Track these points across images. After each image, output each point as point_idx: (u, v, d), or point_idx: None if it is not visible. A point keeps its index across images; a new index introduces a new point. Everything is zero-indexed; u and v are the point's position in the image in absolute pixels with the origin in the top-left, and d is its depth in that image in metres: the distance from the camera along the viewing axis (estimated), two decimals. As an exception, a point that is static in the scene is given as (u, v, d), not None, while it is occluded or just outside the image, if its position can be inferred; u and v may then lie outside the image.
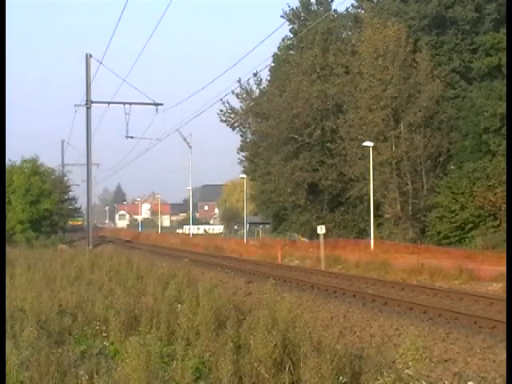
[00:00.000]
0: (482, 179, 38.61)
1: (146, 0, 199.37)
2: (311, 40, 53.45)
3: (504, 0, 38.98)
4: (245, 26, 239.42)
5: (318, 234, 31.72)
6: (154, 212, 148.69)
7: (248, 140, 64.95)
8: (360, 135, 44.12)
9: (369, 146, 39.93)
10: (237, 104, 63.43)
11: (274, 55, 59.58)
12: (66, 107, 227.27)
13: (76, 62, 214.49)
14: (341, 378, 9.11)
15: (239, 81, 57.39)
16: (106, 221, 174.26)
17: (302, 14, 58.37)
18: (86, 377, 9.06)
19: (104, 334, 12.66)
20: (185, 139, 70.65)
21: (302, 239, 52.52)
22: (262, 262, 34.88)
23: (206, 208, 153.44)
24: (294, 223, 56.69)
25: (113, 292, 17.58)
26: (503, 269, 18.83)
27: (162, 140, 52.94)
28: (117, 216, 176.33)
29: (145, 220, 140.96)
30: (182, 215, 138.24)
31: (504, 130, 37.63)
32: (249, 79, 61.16)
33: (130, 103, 47.53)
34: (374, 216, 40.90)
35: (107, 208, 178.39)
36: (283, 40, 59.64)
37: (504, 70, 40.80)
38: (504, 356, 10.68)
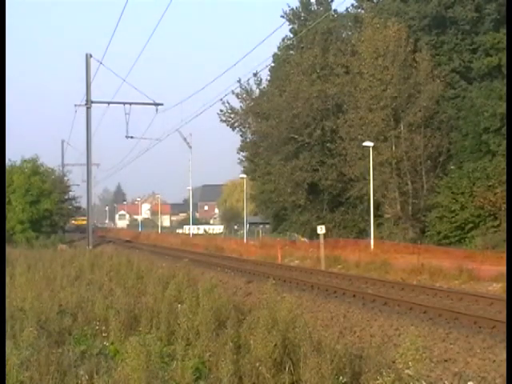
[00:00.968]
0: (482, 179, 38.60)
1: (145, 0, 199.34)
2: (311, 40, 53.44)
3: (504, 0, 38.98)
4: (245, 26, 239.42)
5: (318, 234, 31.71)
6: (154, 212, 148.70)
7: (248, 140, 64.97)
8: (360, 135, 44.12)
9: (369, 146, 39.92)
10: (237, 104, 63.55)
11: (274, 55, 59.63)
12: (66, 107, 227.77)
13: (76, 61, 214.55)
14: (341, 378, 9.11)
15: (239, 81, 57.45)
16: (106, 221, 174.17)
17: (302, 14, 58.37)
18: (86, 377, 9.06)
19: (104, 334, 12.67)
20: (185, 139, 70.68)
21: (302, 239, 52.51)
22: (261, 262, 34.87)
23: (206, 208, 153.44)
24: (294, 223, 56.69)
25: (113, 292, 17.60)
26: (503, 269, 18.83)
27: (161, 140, 53.01)
28: (117, 216, 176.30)
29: (145, 220, 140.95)
30: (182, 215, 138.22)
31: (504, 130, 37.63)
32: (249, 79, 61.21)
33: (130, 103, 47.57)
34: (374, 216, 40.90)
35: (107, 208, 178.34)
36: (283, 40, 59.67)
37: (504, 70, 40.80)
38: (504, 356, 10.68)
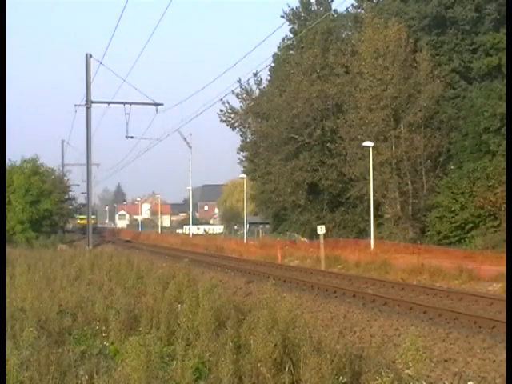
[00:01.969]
0: (482, 179, 38.61)
1: (146, 0, 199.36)
2: (311, 40, 53.46)
3: (504, 0, 38.98)
4: (245, 26, 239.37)
5: (318, 234, 31.72)
6: (154, 212, 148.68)
7: (248, 140, 64.98)
8: (360, 135, 44.14)
9: (369, 146, 39.93)
10: (237, 104, 63.57)
11: (274, 55, 59.67)
12: (66, 107, 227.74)
13: (76, 61, 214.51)
14: (341, 378, 9.11)
15: (239, 81, 57.45)
16: (106, 221, 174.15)
17: (302, 14, 58.41)
18: (86, 377, 9.06)
19: (104, 334, 12.66)
20: (185, 139, 70.74)
21: (302, 239, 52.51)
22: (262, 262, 34.87)
23: (206, 208, 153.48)
24: (294, 223, 56.71)
25: (113, 292, 17.60)
26: (503, 269, 18.82)
27: (161, 140, 52.96)
28: (117, 216, 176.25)
29: (145, 220, 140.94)
30: (182, 215, 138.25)
31: (504, 130, 37.63)
32: (249, 79, 61.32)
33: (130, 103, 47.53)
34: (374, 216, 40.90)
35: (107, 208, 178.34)
36: (283, 40, 59.74)
37: (504, 70, 40.83)
38: (504, 356, 10.68)
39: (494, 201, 36.78)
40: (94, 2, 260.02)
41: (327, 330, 13.12)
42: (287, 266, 32.48)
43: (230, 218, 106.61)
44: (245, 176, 63.78)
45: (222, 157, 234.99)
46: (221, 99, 48.88)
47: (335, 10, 57.34)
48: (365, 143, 40.49)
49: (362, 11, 52.23)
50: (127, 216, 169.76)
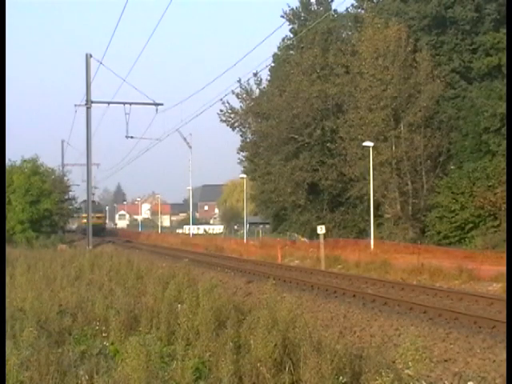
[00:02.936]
0: (482, 179, 38.62)
1: (146, 0, 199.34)
2: (311, 40, 53.45)
3: (504, 0, 38.99)
4: (245, 26, 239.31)
5: (318, 234, 31.72)
6: (154, 212, 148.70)
7: (248, 140, 64.96)
8: (360, 135, 44.13)
9: (369, 146, 39.93)
10: (237, 104, 63.55)
11: (274, 55, 59.68)
12: (66, 107, 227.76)
13: (76, 61, 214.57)
14: (341, 378, 9.11)
15: (239, 81, 57.48)
16: (107, 221, 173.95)
17: (302, 14, 58.39)
18: (86, 377, 9.06)
19: (104, 334, 12.66)
20: (185, 139, 70.74)
21: (302, 239, 52.52)
22: (261, 262, 34.87)
23: (206, 208, 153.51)
24: (294, 223, 56.70)
25: (113, 292, 17.59)
26: (503, 269, 18.83)
27: (161, 140, 52.96)
28: (117, 216, 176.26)
29: (145, 220, 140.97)
30: (182, 215, 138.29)
31: (504, 130, 37.64)
32: (249, 79, 61.33)
33: (130, 103, 47.55)
34: (374, 216, 40.90)
35: (107, 208, 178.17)
36: (283, 40, 59.74)
37: (504, 70, 40.82)
38: (504, 356, 10.68)
39: (494, 201, 36.78)
40: (93, 2, 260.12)
41: (327, 329, 13.11)
42: (287, 266, 32.49)
43: (230, 218, 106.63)
44: (245, 176, 63.78)
45: (222, 157, 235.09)
46: (221, 99, 49.02)
47: (335, 10, 57.41)
48: (365, 143, 40.50)
49: (362, 11, 52.24)
50: (127, 216, 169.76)
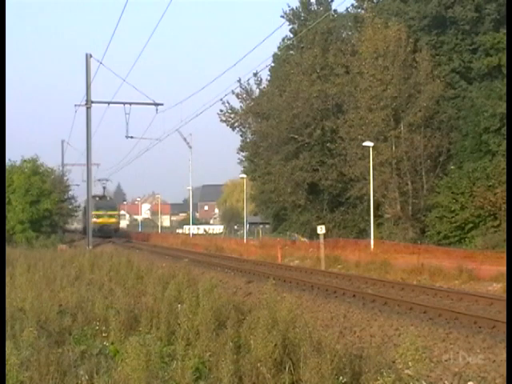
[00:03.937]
0: (482, 179, 38.61)
1: (146, 0, 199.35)
2: (311, 40, 53.47)
3: (504, 0, 38.98)
4: (245, 26, 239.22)
5: (318, 234, 31.71)
6: (154, 212, 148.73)
7: (248, 140, 64.98)
8: (360, 135, 44.14)
9: (369, 146, 39.94)
10: (237, 104, 63.57)
11: (274, 55, 59.69)
12: (66, 107, 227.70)
13: (76, 61, 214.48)
14: (341, 378, 9.11)
15: (239, 81, 57.51)
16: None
17: (302, 14, 58.40)
18: (86, 377, 9.06)
19: (104, 334, 12.66)
20: (185, 139, 70.78)
21: (302, 239, 52.52)
22: (262, 262, 34.86)
23: (206, 208, 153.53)
24: (294, 223, 56.72)
25: (113, 292, 17.59)
26: (503, 269, 18.82)
27: (161, 140, 53.08)
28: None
29: (145, 220, 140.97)
30: (182, 215, 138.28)
31: (504, 130, 37.66)
32: (249, 79, 61.30)
33: (130, 103, 47.61)
34: (374, 216, 40.90)
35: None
36: (283, 40, 59.75)
37: (504, 70, 40.82)
38: (504, 356, 10.68)
39: (494, 201, 36.77)
40: (93, 2, 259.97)
41: (327, 329, 13.12)
42: (287, 266, 32.47)
43: (230, 218, 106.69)
44: (245, 176, 63.80)
45: (221, 157, 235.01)
46: (221, 99, 49.05)
47: (335, 10, 57.44)
48: (365, 143, 40.50)
49: (362, 11, 52.25)
50: (127, 216, 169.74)
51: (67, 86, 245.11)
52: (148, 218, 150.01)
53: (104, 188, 72.49)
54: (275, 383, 9.20)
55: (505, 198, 32.26)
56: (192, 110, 50.50)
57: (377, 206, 43.58)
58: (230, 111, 63.25)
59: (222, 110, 62.87)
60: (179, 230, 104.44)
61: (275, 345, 9.83)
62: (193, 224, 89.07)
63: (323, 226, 31.65)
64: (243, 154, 67.07)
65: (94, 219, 60.74)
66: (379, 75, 43.94)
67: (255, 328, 10.47)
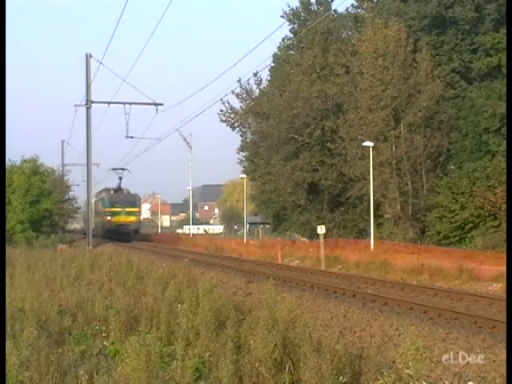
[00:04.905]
0: (482, 179, 38.61)
1: (146, 0, 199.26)
2: (311, 40, 53.47)
3: (504, 0, 38.98)
4: (245, 26, 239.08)
5: (318, 234, 31.70)
6: (154, 212, 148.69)
7: (248, 140, 64.99)
8: (360, 135, 44.15)
9: (369, 146, 39.94)
10: (237, 104, 63.57)
11: (274, 55, 59.70)
12: (66, 107, 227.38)
13: (76, 62, 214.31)
14: (341, 378, 9.11)
15: (239, 81, 57.48)
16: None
17: (302, 14, 58.42)
18: (86, 377, 9.06)
19: (104, 334, 12.66)
20: (185, 139, 70.82)
21: (302, 239, 52.53)
22: (262, 262, 34.84)
23: (206, 208, 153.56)
24: (294, 223, 56.73)
25: (113, 292, 17.58)
26: (503, 269, 18.82)
27: (161, 140, 52.95)
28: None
29: (145, 220, 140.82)
30: (182, 215, 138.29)
31: (504, 130, 37.65)
32: (249, 79, 61.38)
33: (130, 103, 47.56)
34: (374, 216, 40.90)
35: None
36: (283, 40, 59.75)
37: (504, 70, 40.83)
38: (504, 356, 10.68)
39: (494, 201, 36.77)
40: (93, 2, 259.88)
41: (327, 329, 13.10)
42: (287, 266, 32.46)
43: (230, 218, 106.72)
44: (245, 176, 63.79)
45: (222, 157, 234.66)
46: (221, 99, 49.04)
47: (335, 10, 57.46)
48: (365, 143, 40.51)
49: (362, 11, 52.26)
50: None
51: (67, 86, 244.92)
52: (148, 218, 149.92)
53: (120, 179, 59.14)
54: (275, 383, 9.20)
55: (505, 198, 32.25)
56: (192, 110, 50.51)
57: (377, 206, 43.58)
58: (230, 111, 63.28)
59: (222, 110, 62.97)
60: (179, 230, 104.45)
61: (275, 345, 9.82)
62: (193, 224, 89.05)
63: (323, 226, 31.64)
64: (243, 154, 67.12)
65: (109, 217, 54.03)
66: (379, 75, 43.94)
67: (255, 328, 10.46)
